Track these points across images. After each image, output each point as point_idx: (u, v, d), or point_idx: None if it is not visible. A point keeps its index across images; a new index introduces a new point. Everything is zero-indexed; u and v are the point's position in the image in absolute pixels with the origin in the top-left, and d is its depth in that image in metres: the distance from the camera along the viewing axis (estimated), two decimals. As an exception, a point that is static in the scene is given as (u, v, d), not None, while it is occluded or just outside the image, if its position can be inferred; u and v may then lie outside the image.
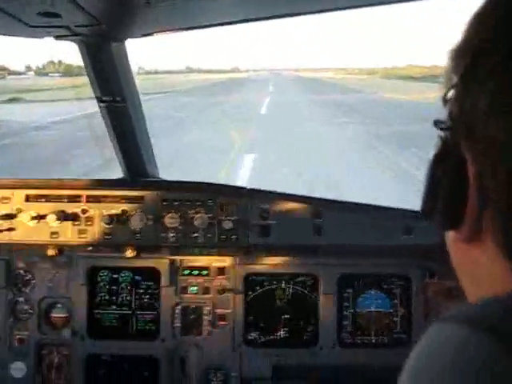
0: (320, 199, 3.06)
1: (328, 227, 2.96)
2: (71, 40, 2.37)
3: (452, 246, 0.78)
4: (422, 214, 0.80)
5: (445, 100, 0.74)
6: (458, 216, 0.71)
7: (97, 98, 2.76)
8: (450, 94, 0.72)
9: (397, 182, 12.50)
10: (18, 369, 3.06)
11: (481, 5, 0.72)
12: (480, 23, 0.70)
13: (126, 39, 2.51)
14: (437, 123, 0.75)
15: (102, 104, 2.78)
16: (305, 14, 2.12)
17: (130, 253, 2.99)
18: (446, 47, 0.74)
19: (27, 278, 3.10)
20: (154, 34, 2.39)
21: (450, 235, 0.77)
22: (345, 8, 2.16)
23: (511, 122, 0.62)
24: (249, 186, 3.10)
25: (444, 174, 0.73)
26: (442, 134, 0.75)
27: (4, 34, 2.33)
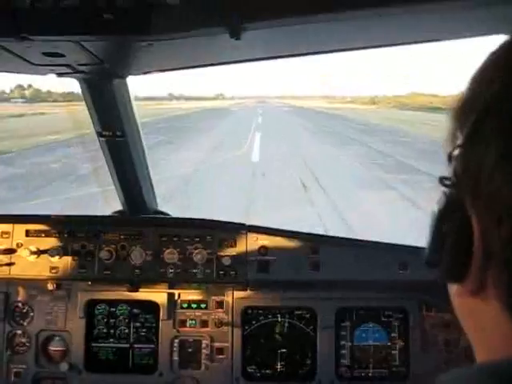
0: (317, 235, 3.09)
1: (325, 263, 2.97)
2: (73, 77, 2.42)
3: (456, 298, 0.79)
4: (428, 266, 0.81)
5: (449, 157, 0.75)
6: (463, 270, 0.72)
7: (97, 132, 2.80)
8: (456, 152, 0.74)
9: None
10: (14, 403, 3.03)
11: (484, 61, 0.74)
12: (484, 81, 0.72)
13: (127, 76, 2.56)
14: (441, 180, 0.76)
15: (102, 139, 2.82)
16: (304, 55, 2.17)
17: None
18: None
19: (25, 310, 3.09)
20: (155, 72, 2.44)
21: (454, 288, 0.79)
22: (345, 50, 2.21)
23: None
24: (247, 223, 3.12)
25: (449, 229, 0.75)
26: (445, 190, 0.76)
27: (6, 71, 2.37)
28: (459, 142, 0.73)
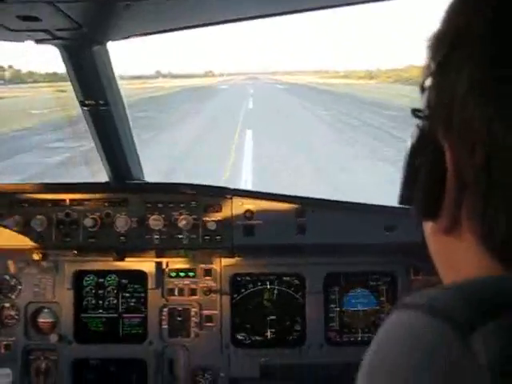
0: (303, 198, 3.07)
1: (312, 226, 2.97)
2: (52, 44, 2.36)
3: (430, 237, 0.79)
4: (400, 204, 0.80)
5: (422, 88, 0.74)
6: (437, 206, 0.71)
7: (80, 102, 2.75)
8: (428, 82, 0.73)
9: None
10: (4, 375, 3.04)
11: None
12: (455, 12, 0.71)
13: (107, 42, 2.50)
14: (414, 112, 0.75)
15: (85, 108, 2.77)
16: (289, 13, 2.12)
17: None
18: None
19: (13, 283, 3.08)
20: (135, 37, 2.39)
21: (428, 226, 0.78)
22: (334, 6, 2.17)
23: (487, 107, 0.62)
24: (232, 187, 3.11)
25: (422, 163, 0.73)
26: (419, 122, 0.75)
27: None
28: (432, 70, 0.72)
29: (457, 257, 0.73)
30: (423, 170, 0.73)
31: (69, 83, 2.67)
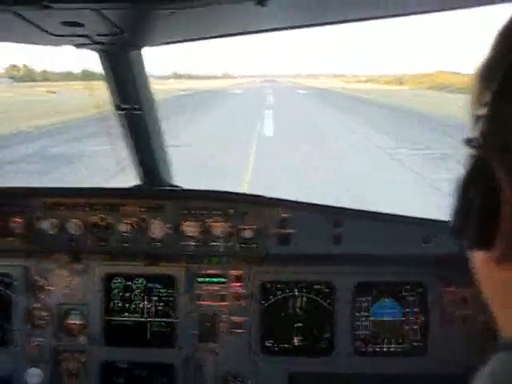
0: (339, 208, 3.06)
1: (348, 236, 2.96)
2: (91, 48, 2.39)
3: (481, 266, 0.78)
4: (452, 234, 0.79)
5: (476, 118, 0.73)
6: (491, 236, 0.71)
7: (115, 106, 2.78)
8: (482, 111, 0.72)
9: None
10: (34, 375, 3.06)
11: (506, 23, 0.72)
12: (509, 40, 0.70)
13: (143, 47, 2.52)
14: (467, 141, 0.74)
15: (120, 112, 2.80)
16: (329, 24, 2.12)
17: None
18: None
19: (44, 284, 3.11)
20: (172, 43, 2.41)
21: (479, 256, 0.77)
22: (358, 20, 2.17)
23: None
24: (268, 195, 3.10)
25: (476, 193, 0.73)
26: (471, 152, 0.74)
27: (26, 42, 2.34)
28: (486, 100, 0.71)
29: (508, 288, 0.72)
30: (477, 199, 0.72)
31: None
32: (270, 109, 38.54)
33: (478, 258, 0.77)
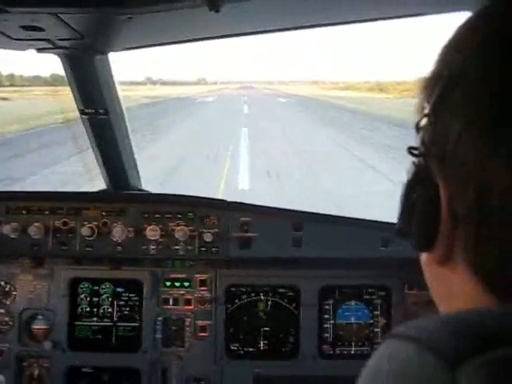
0: (299, 212, 3.09)
1: (308, 240, 2.99)
2: (54, 53, 2.39)
3: (426, 267, 0.82)
4: (397, 235, 0.83)
5: (417, 128, 0.78)
6: (431, 238, 0.74)
7: (79, 110, 2.78)
8: (423, 121, 0.76)
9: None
10: (-3, 381, 3.03)
11: (450, 37, 0.76)
12: (450, 53, 0.75)
13: (109, 52, 2.53)
14: (410, 149, 0.79)
15: (84, 116, 2.80)
16: (286, 30, 2.15)
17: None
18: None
19: (8, 289, 3.08)
20: (137, 48, 2.42)
21: (424, 257, 0.81)
22: (342, 23, 2.19)
23: (480, 146, 0.65)
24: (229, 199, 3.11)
25: (418, 197, 0.77)
26: (414, 159, 0.78)
27: None
28: (426, 111, 0.76)
29: (451, 288, 0.76)
30: (419, 204, 0.77)
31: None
32: (245, 126, 30.42)
33: (424, 258, 0.81)
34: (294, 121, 35.76)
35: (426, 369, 0.57)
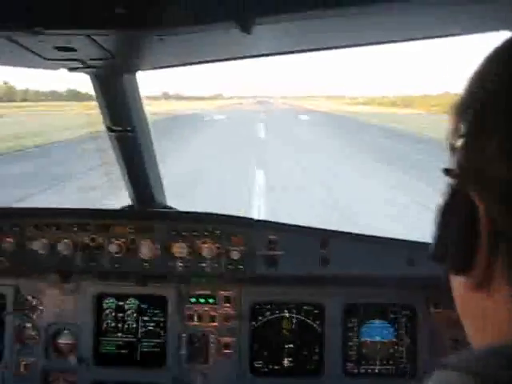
0: (326, 230, 3.08)
1: (334, 258, 2.98)
2: (84, 72, 2.43)
3: (459, 292, 0.80)
4: (433, 260, 0.82)
5: (452, 148, 0.78)
6: (469, 261, 0.73)
7: (107, 127, 2.82)
8: (459, 143, 0.76)
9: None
10: (23, 395, 3.06)
11: (482, 61, 0.76)
12: (482, 79, 0.75)
13: (137, 71, 2.57)
14: (446, 171, 0.78)
15: (111, 133, 2.83)
16: (315, 50, 2.16)
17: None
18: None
19: (35, 303, 3.12)
20: (165, 68, 2.45)
21: (458, 283, 0.80)
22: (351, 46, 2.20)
23: None
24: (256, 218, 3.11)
25: (454, 220, 0.76)
26: (450, 181, 0.78)
27: (20, 66, 2.39)
28: (462, 132, 0.75)
29: (489, 313, 0.75)
30: (456, 226, 0.76)
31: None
32: (260, 168, 21.39)
33: (457, 283, 0.80)
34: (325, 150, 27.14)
35: None
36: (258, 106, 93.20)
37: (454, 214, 0.76)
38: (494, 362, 0.59)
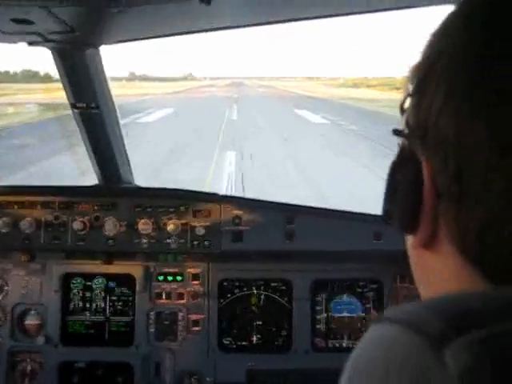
0: (291, 205, 3.09)
1: (300, 233, 2.99)
2: (45, 46, 2.38)
3: (410, 250, 0.81)
4: (383, 219, 0.83)
5: (402, 109, 0.78)
6: (415, 220, 0.73)
7: (71, 104, 2.76)
8: (407, 102, 0.76)
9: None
10: (-11, 376, 3.03)
11: (434, 28, 0.76)
12: (435, 38, 0.75)
13: (100, 46, 2.52)
14: (395, 132, 0.78)
15: (75, 110, 2.78)
16: (278, 22, 2.15)
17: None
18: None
19: (0, 284, 3.08)
20: (129, 41, 2.41)
21: (408, 240, 0.80)
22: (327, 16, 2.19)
23: (460, 122, 0.66)
24: (221, 193, 3.10)
25: (401, 178, 0.76)
26: (400, 141, 0.78)
27: None
28: (409, 92, 0.76)
29: (435, 270, 0.76)
30: (402, 185, 0.76)
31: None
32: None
33: (408, 243, 0.80)
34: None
35: (411, 350, 0.58)
36: (230, 88, 79.40)
37: (401, 173, 0.77)
38: (426, 314, 0.60)
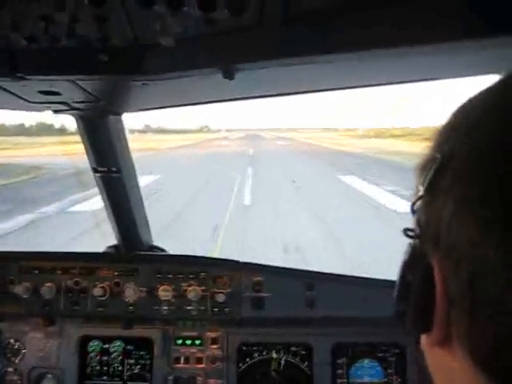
0: (312, 272, 3.07)
1: (321, 299, 2.96)
2: (69, 114, 2.45)
3: (426, 348, 0.80)
4: (396, 317, 0.82)
5: (413, 210, 0.78)
6: (428, 320, 0.73)
7: (92, 168, 2.82)
8: (418, 204, 0.76)
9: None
10: None
11: (442, 124, 0.77)
12: (442, 139, 0.75)
13: (122, 113, 2.59)
14: (406, 231, 0.79)
15: (97, 174, 2.84)
16: (298, 93, 2.19)
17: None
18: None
19: (17, 347, 3.06)
20: (150, 110, 2.47)
21: (423, 339, 0.80)
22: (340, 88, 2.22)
23: (470, 232, 0.64)
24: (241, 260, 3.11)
25: (413, 279, 0.77)
26: (411, 241, 0.79)
27: (5, 108, 2.40)
28: (420, 193, 0.76)
29: (451, 370, 0.74)
30: (415, 286, 0.77)
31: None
32: None
33: (423, 342, 0.80)
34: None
35: None
36: (245, 142, 71.30)
37: (413, 273, 0.77)
38: None
